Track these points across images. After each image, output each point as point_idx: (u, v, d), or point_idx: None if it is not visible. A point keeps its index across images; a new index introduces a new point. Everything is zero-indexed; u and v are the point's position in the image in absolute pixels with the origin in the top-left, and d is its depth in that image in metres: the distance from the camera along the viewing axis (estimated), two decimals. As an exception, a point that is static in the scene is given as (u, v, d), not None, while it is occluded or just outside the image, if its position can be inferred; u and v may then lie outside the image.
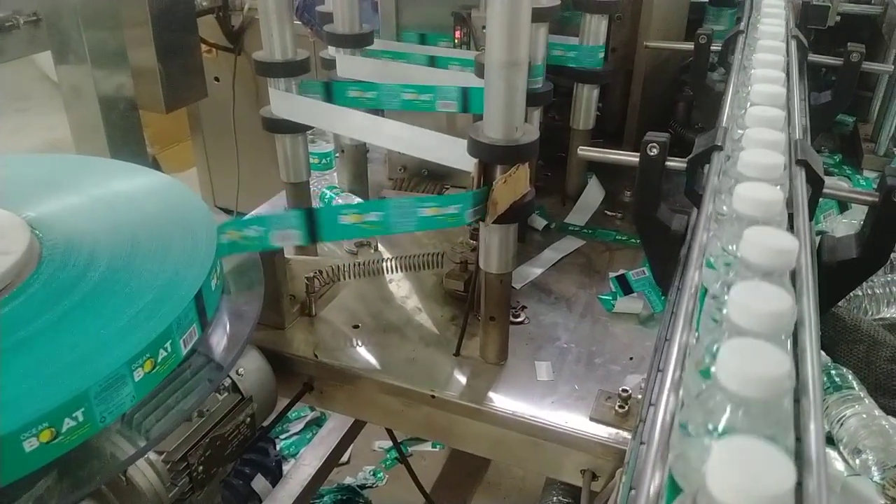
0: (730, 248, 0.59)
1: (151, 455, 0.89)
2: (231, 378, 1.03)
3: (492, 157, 0.95)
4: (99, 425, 0.68)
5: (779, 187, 0.63)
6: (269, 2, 1.16)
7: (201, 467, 0.95)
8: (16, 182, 0.98)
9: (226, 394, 1.02)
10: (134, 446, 0.73)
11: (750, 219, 0.58)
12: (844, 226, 1.37)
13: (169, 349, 0.74)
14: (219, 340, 0.85)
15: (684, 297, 0.63)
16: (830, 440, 0.95)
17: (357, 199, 1.50)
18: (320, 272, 1.22)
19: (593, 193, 1.62)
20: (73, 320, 0.74)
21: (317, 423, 2.45)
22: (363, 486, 2.34)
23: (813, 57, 1.47)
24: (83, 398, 0.66)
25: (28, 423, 0.63)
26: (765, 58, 0.99)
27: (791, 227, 0.71)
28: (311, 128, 1.31)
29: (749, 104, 0.83)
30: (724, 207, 0.67)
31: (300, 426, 2.47)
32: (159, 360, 0.73)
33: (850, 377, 1.00)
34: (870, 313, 1.18)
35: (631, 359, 1.14)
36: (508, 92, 0.91)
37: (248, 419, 1.03)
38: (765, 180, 0.62)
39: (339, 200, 1.47)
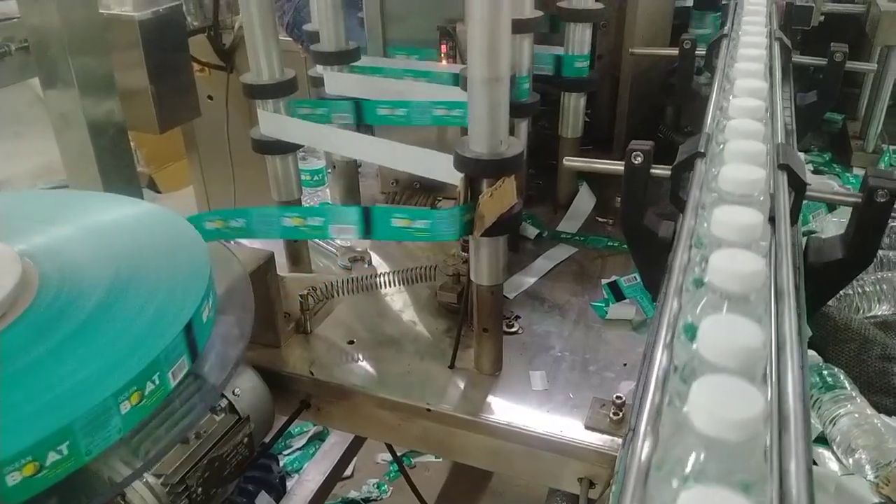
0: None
1: (150, 478, 0.89)
2: (227, 398, 1.04)
3: (477, 171, 0.96)
4: (84, 459, 0.68)
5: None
6: (254, 23, 1.17)
7: (200, 489, 0.95)
8: (9, 217, 0.99)
9: (222, 414, 1.02)
10: (130, 468, 0.74)
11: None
12: (834, 224, 1.38)
13: (157, 381, 0.74)
14: (212, 361, 0.86)
15: (668, 303, 0.64)
16: (823, 440, 0.95)
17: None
18: (314, 289, 1.22)
19: (584, 201, 1.63)
20: (61, 353, 0.74)
21: (319, 437, 2.45)
22: (367, 500, 2.35)
23: (797, 58, 1.48)
24: (68, 431, 0.66)
25: (10, 457, 0.62)
26: (746, 62, 1.00)
27: (773, 234, 0.72)
28: (300, 147, 1.32)
29: (728, 114, 0.84)
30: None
31: (303, 441, 2.48)
32: (146, 392, 0.73)
33: (841, 376, 1.01)
34: (861, 311, 1.19)
35: (625, 365, 1.15)
36: (491, 107, 0.92)
37: (246, 439, 1.04)
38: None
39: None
